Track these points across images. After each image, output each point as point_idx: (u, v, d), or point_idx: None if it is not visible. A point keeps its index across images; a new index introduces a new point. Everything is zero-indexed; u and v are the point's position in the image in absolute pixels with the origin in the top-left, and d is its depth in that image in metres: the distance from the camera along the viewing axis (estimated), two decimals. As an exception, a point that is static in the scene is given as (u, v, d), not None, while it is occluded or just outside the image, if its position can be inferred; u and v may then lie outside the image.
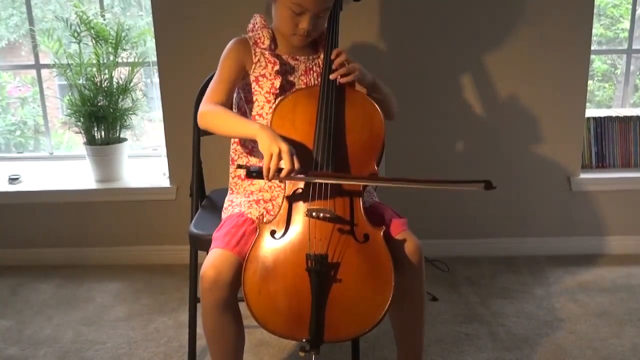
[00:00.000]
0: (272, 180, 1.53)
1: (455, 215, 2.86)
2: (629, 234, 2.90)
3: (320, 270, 1.47)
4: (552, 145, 2.78)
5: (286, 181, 1.60)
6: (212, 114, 1.66)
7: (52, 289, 2.69)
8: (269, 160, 1.47)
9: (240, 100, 1.78)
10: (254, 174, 1.51)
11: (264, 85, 1.74)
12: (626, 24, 3.27)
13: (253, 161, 1.79)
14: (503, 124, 2.76)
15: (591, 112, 2.94)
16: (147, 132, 3.50)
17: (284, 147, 1.47)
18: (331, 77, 1.66)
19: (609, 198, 2.86)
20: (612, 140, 2.91)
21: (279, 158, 1.46)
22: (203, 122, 1.68)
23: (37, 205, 2.88)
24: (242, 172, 1.64)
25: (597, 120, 2.89)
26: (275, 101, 1.72)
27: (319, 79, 1.74)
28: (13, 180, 2.93)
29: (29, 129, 3.58)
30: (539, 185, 2.83)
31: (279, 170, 1.48)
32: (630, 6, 3.02)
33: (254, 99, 1.75)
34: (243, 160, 1.80)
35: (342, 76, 1.67)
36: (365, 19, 2.62)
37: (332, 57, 1.69)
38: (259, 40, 1.76)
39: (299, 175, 1.51)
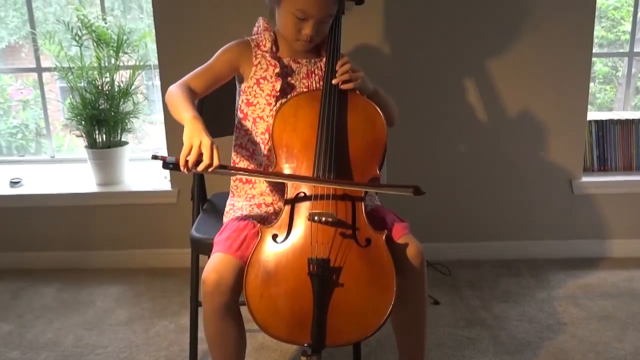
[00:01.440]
0: (190, 172, 1.48)
1: (456, 218, 2.86)
2: (631, 237, 2.89)
3: (322, 275, 1.46)
4: (553, 148, 2.78)
5: (288, 185, 1.61)
6: (172, 94, 1.66)
7: (53, 292, 2.68)
8: (187, 151, 1.45)
9: (242, 103, 1.78)
10: (170, 165, 1.47)
11: (265, 88, 1.74)
12: (627, 26, 3.27)
13: (254, 164, 1.78)
14: (505, 127, 2.76)
15: (593, 115, 2.94)
16: (149, 135, 3.50)
17: (205, 141, 1.45)
18: (334, 81, 1.67)
19: (611, 201, 2.85)
20: (613, 143, 2.90)
21: (199, 151, 1.44)
22: (166, 98, 1.68)
23: (39, 208, 2.87)
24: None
25: (599, 123, 2.88)
26: (276, 104, 1.72)
27: (321, 82, 1.74)
28: (14, 183, 2.92)
29: (31, 132, 3.58)
30: (540, 188, 2.83)
31: (197, 163, 1.45)
32: (631, 8, 3.02)
33: (255, 101, 1.75)
34: (245, 164, 1.80)
35: (344, 82, 1.67)
36: (368, 22, 2.62)
37: (338, 66, 1.69)
38: (260, 43, 1.77)
39: (217, 170, 1.47)
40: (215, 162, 1.45)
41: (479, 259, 2.88)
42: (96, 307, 2.55)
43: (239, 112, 1.80)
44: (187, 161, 1.44)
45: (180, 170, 1.46)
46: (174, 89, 1.68)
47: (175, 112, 1.61)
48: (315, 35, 1.70)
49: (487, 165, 2.79)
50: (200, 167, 1.45)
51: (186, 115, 1.53)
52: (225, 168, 1.49)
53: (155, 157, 1.50)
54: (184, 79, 1.73)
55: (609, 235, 2.89)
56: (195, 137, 1.45)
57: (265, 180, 1.75)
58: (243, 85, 1.78)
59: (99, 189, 2.88)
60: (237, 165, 1.81)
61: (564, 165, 2.80)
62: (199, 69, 1.77)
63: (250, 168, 1.77)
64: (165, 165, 1.47)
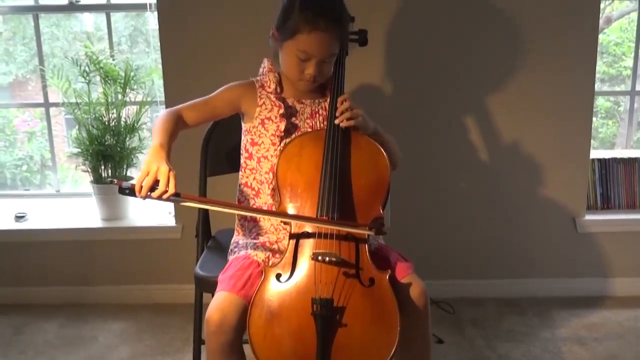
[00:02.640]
0: (145, 199, 1.49)
1: (460, 256, 2.86)
2: (635, 276, 2.88)
3: (325, 315, 1.46)
4: (557, 186, 2.79)
5: (292, 223, 1.62)
6: (159, 118, 1.69)
7: (55, 328, 2.67)
8: (143, 176, 1.46)
9: (246, 142, 1.80)
10: (126, 190, 1.48)
11: (270, 128, 1.76)
12: (628, 62, 3.30)
13: (259, 203, 1.79)
14: (507, 164, 2.77)
15: (596, 153, 2.95)
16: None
17: (163, 168, 1.47)
18: (335, 121, 1.68)
19: (615, 239, 2.85)
20: (617, 182, 2.91)
21: (154, 177, 1.46)
22: (154, 121, 1.71)
23: (43, 243, 2.88)
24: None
25: (602, 162, 2.90)
26: (280, 144, 1.74)
27: (325, 123, 1.76)
28: (20, 218, 2.93)
29: (36, 164, 3.61)
30: (544, 226, 2.83)
31: (152, 190, 1.46)
32: (632, 44, 3.04)
33: (260, 141, 1.77)
34: (249, 202, 1.81)
35: (346, 119, 1.68)
36: (371, 62, 2.65)
37: (338, 104, 1.71)
38: (265, 84, 1.79)
39: (171, 198, 1.48)
40: (171, 190, 1.46)
41: (483, 296, 2.86)
42: (99, 343, 2.54)
43: (244, 151, 1.82)
44: (141, 186, 1.46)
45: (136, 196, 1.47)
46: (164, 114, 1.71)
47: (152, 135, 1.64)
48: (318, 75, 1.72)
49: (490, 203, 2.80)
50: (155, 194, 1.46)
51: (154, 141, 1.57)
52: (179, 196, 1.50)
53: (111, 182, 1.51)
54: (180, 106, 1.77)
55: (612, 273, 2.88)
56: (154, 163, 1.48)
57: (266, 218, 1.76)
58: (248, 125, 1.80)
59: (103, 224, 2.89)
60: (241, 205, 1.81)
61: (567, 203, 2.81)
62: (198, 100, 1.80)
63: (209, 199, 1.80)
64: (121, 190, 1.48)
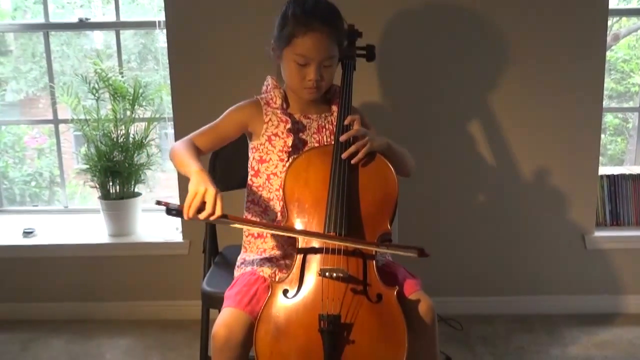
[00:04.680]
0: (191, 219, 1.49)
1: (469, 273, 2.84)
2: (645, 293, 2.86)
3: (333, 331, 1.45)
4: (566, 203, 2.77)
5: (299, 239, 1.61)
6: (177, 150, 1.69)
7: (62, 344, 2.67)
8: (191, 198, 1.46)
9: (253, 160, 1.80)
10: (173, 211, 1.49)
11: (277, 144, 1.76)
12: (637, 79, 3.30)
13: (266, 220, 1.79)
14: (516, 181, 2.76)
15: (605, 169, 2.94)
16: (160, 183, 3.53)
17: (210, 190, 1.47)
18: (343, 156, 1.66)
19: (625, 256, 2.82)
20: (626, 198, 2.89)
21: (202, 199, 1.46)
22: (170, 155, 1.72)
23: (51, 259, 2.88)
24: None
25: (611, 178, 2.88)
26: (288, 159, 1.74)
27: (332, 137, 1.76)
28: (28, 233, 2.94)
29: (44, 180, 3.63)
30: (553, 243, 2.81)
31: (199, 211, 1.46)
32: (640, 61, 3.04)
33: (268, 158, 1.77)
34: (257, 220, 1.81)
35: (352, 155, 1.67)
36: (374, 75, 2.65)
37: (345, 122, 1.71)
38: (270, 101, 1.80)
39: (220, 219, 1.48)
40: (218, 212, 1.46)
41: (492, 313, 2.84)
42: (105, 360, 2.54)
43: (250, 169, 1.82)
44: (189, 206, 1.46)
45: (182, 217, 1.48)
46: (179, 145, 1.71)
47: (180, 166, 1.65)
48: (320, 80, 1.72)
49: (499, 219, 2.79)
50: (202, 215, 1.46)
51: (192, 168, 1.56)
52: (226, 218, 1.50)
53: (159, 203, 1.51)
54: (189, 136, 1.77)
55: (623, 290, 2.85)
56: (201, 185, 1.48)
57: (272, 234, 1.76)
58: (255, 143, 1.80)
59: (110, 240, 2.89)
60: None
61: (576, 220, 2.79)
62: (206, 127, 1.80)
63: (255, 220, 1.78)
64: (169, 211, 1.50)
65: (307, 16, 1.66)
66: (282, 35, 1.69)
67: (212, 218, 1.47)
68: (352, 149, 1.67)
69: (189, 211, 1.46)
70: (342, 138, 1.68)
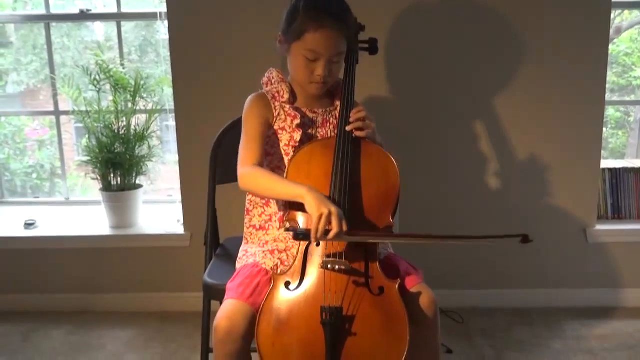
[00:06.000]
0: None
1: (470, 266, 2.84)
2: (646, 287, 2.86)
3: (335, 324, 1.46)
4: (567, 196, 2.77)
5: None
6: (252, 176, 1.65)
7: (63, 335, 2.67)
8: (317, 221, 1.45)
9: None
10: (300, 236, 1.51)
11: (283, 138, 1.76)
12: (639, 72, 3.28)
13: (269, 212, 1.79)
14: (518, 174, 2.76)
15: (606, 163, 2.93)
16: (161, 175, 3.52)
17: (334, 210, 1.46)
18: (347, 128, 1.68)
19: (626, 249, 2.82)
20: (628, 192, 2.89)
21: (328, 220, 1.46)
22: (243, 184, 1.67)
23: (52, 250, 2.88)
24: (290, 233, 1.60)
25: (613, 171, 2.88)
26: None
27: (336, 131, 1.76)
28: (29, 225, 2.94)
29: (45, 172, 3.62)
30: (554, 236, 2.81)
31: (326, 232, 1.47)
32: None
33: (273, 151, 1.77)
34: (259, 211, 1.81)
35: (357, 129, 1.68)
36: (377, 70, 2.65)
37: (352, 114, 1.71)
38: (277, 94, 1.79)
39: (344, 237, 1.49)
40: (345, 229, 1.47)
41: (493, 306, 2.84)
42: (106, 351, 2.53)
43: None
44: (317, 230, 1.46)
45: (309, 240, 1.50)
46: (248, 172, 1.66)
47: (273, 192, 1.64)
48: (328, 75, 1.71)
49: (500, 213, 2.78)
50: (330, 236, 1.46)
51: (300, 189, 1.54)
52: (352, 235, 1.51)
53: (287, 230, 1.57)
54: (243, 162, 1.70)
55: (623, 284, 2.86)
56: (324, 207, 1.47)
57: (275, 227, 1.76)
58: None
59: (112, 232, 2.89)
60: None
61: (577, 213, 2.79)
62: (243, 143, 1.73)
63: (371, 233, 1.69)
64: (296, 236, 1.52)
65: (320, 12, 1.65)
66: (291, 29, 1.68)
67: (340, 237, 1.47)
68: (358, 123, 1.67)
69: (317, 235, 1.46)
70: (349, 127, 1.68)
